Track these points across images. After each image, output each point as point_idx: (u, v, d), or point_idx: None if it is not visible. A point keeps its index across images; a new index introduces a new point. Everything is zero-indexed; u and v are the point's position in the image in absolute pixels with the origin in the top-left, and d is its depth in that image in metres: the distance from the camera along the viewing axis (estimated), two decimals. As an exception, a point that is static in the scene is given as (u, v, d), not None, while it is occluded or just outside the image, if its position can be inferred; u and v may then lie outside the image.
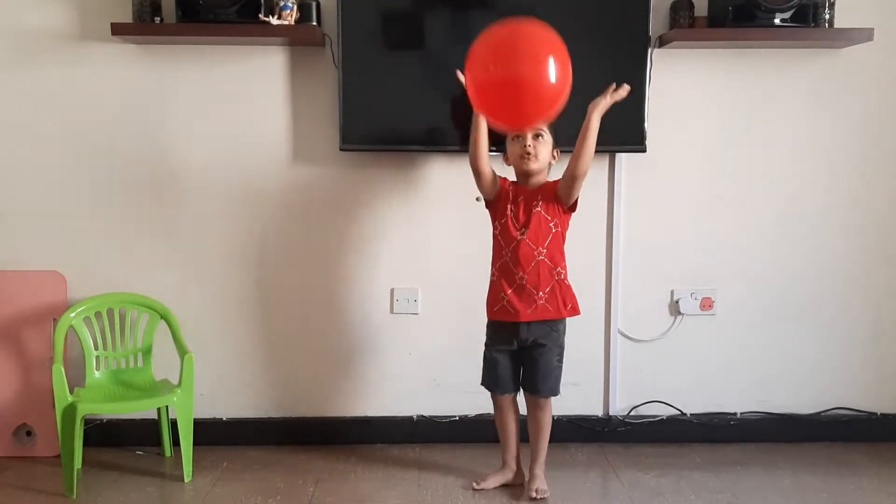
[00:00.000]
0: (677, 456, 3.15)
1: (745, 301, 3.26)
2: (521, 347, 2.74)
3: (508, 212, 2.67)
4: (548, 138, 2.65)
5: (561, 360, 2.78)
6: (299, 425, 3.25)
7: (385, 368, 3.24)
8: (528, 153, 2.62)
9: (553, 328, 2.72)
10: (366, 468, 3.04)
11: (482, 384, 2.83)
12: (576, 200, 2.67)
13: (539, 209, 2.64)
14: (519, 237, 2.64)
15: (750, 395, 3.30)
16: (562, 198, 2.65)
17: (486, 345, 2.81)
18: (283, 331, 3.20)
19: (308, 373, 3.24)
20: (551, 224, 2.65)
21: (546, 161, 2.67)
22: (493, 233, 2.74)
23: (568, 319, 3.22)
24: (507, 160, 2.72)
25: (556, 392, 2.78)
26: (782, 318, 3.27)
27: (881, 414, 3.31)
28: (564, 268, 2.70)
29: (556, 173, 2.72)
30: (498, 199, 2.72)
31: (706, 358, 3.28)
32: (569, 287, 2.72)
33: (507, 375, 2.79)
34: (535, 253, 2.63)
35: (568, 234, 3.15)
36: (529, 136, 2.61)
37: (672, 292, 3.25)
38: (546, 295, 2.66)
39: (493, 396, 2.85)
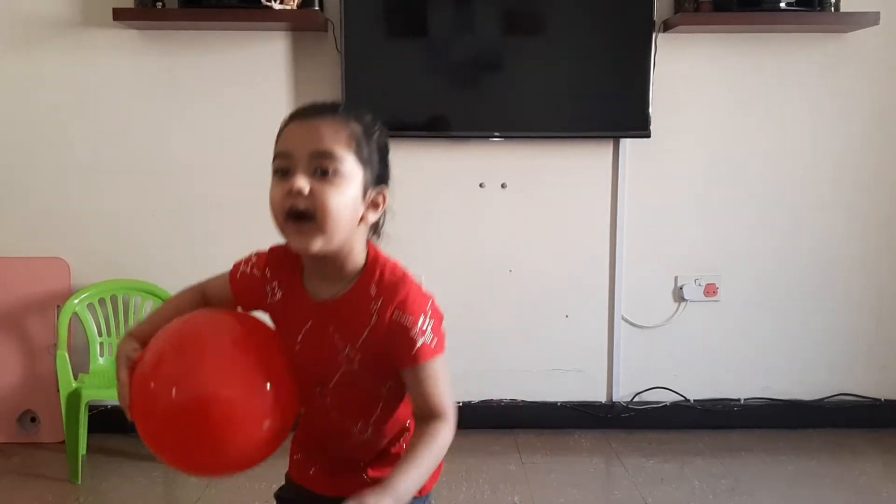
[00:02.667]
0: (681, 442, 3.15)
1: (749, 287, 3.25)
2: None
3: (288, 346, 1.32)
4: (352, 174, 1.23)
5: None
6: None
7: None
8: (296, 210, 1.21)
9: None
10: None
11: None
12: None
13: (355, 366, 1.28)
14: (317, 398, 1.33)
15: (753, 381, 3.30)
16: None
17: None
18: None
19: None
20: (382, 389, 1.32)
21: (344, 220, 1.22)
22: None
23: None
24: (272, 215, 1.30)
25: None
26: (786, 305, 3.27)
27: (884, 400, 3.31)
28: (404, 430, 1.39)
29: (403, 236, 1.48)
30: (256, 294, 1.38)
31: (710, 344, 3.27)
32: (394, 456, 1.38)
33: None
34: (353, 430, 1.34)
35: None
36: (302, 164, 1.21)
37: (676, 278, 3.24)
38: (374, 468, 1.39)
39: None
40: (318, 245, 1.21)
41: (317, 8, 2.92)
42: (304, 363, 1.30)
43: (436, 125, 3.07)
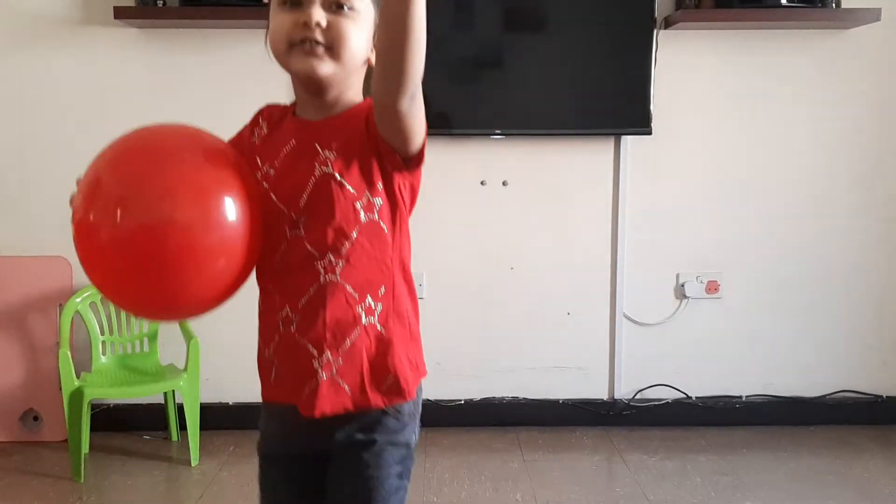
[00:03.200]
0: (682, 439, 3.15)
1: (751, 285, 3.25)
2: (319, 453, 1.30)
3: (264, 180, 1.25)
4: (364, 7, 1.20)
5: (404, 475, 1.29)
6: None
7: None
8: (311, 39, 1.16)
9: (383, 418, 1.27)
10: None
11: None
12: (421, 146, 1.25)
13: (330, 168, 1.20)
14: (289, 232, 1.23)
15: (755, 378, 3.30)
16: (387, 139, 1.20)
17: (259, 451, 1.43)
18: (289, 315, 3.21)
19: (313, 357, 3.24)
20: (357, 204, 1.21)
21: (358, 57, 1.21)
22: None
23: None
24: (268, 45, 1.24)
25: None
26: (788, 302, 3.26)
27: (886, 397, 3.31)
28: (391, 305, 1.26)
29: None
30: (244, 146, 1.34)
31: (711, 341, 3.27)
32: (394, 345, 1.26)
33: None
34: (319, 266, 1.21)
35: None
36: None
37: (678, 276, 3.24)
38: (341, 360, 1.22)
39: None
40: (328, 70, 1.17)
41: (318, 6, 2.92)
42: (281, 186, 1.22)
43: (437, 123, 3.03)
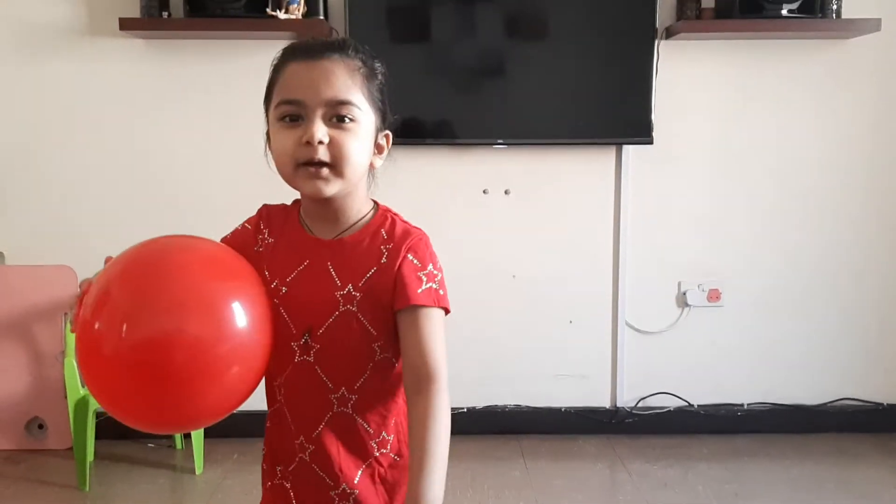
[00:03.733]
0: (685, 447, 3.16)
1: (752, 293, 3.26)
2: None
3: (275, 295, 1.21)
4: (365, 118, 1.18)
5: None
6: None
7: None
8: (315, 161, 1.15)
9: None
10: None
11: None
12: None
13: (354, 307, 1.18)
14: (298, 355, 1.20)
15: (757, 386, 3.31)
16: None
17: None
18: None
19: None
20: (375, 344, 1.21)
21: (358, 171, 1.20)
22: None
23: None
24: (270, 155, 1.24)
25: None
26: (789, 310, 3.28)
27: (887, 404, 3.32)
28: (401, 432, 1.25)
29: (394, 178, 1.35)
30: (248, 253, 1.25)
31: (713, 349, 3.28)
32: (398, 464, 1.25)
33: None
34: (332, 398, 1.21)
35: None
36: (319, 112, 1.15)
37: (679, 284, 3.26)
38: (357, 491, 1.22)
39: None
40: (333, 190, 1.17)
41: (321, 17, 2.94)
42: (293, 306, 1.19)
43: (440, 132, 3.09)
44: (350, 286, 1.18)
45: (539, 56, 3.05)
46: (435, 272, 1.22)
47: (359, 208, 1.24)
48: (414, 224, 1.26)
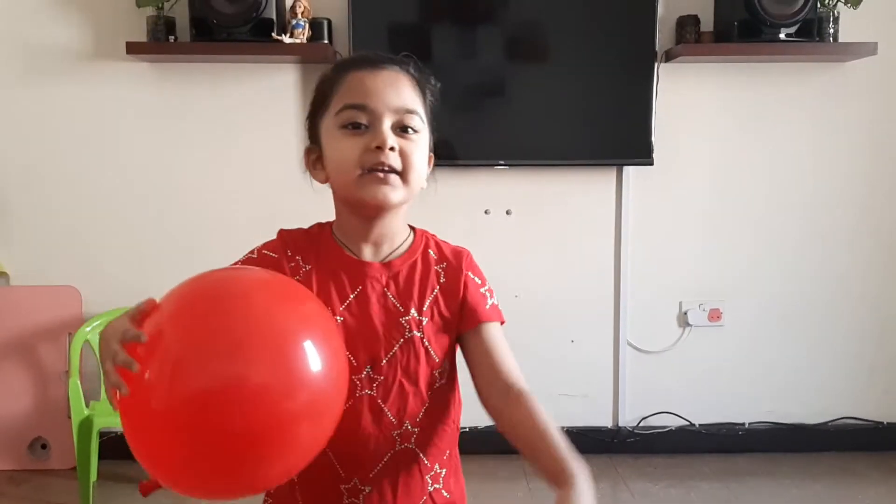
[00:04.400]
0: (686, 466, 3.17)
1: (753, 312, 3.28)
2: None
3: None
4: (424, 130, 1.17)
5: None
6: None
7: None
8: (386, 166, 1.11)
9: None
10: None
11: None
12: None
13: (420, 333, 1.15)
14: (359, 389, 1.12)
15: (758, 405, 3.32)
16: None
17: None
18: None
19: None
20: (437, 371, 1.17)
21: (422, 182, 1.19)
22: None
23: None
24: (318, 170, 1.21)
25: None
26: (789, 329, 3.30)
27: (887, 423, 3.33)
28: (453, 467, 1.23)
29: (433, 202, 1.40)
30: None
31: (715, 369, 3.30)
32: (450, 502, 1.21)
33: None
34: (395, 434, 1.14)
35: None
36: (388, 122, 1.11)
37: (681, 304, 3.28)
38: None
39: None
40: (399, 197, 1.11)
41: (326, 41, 2.97)
42: (352, 336, 1.09)
43: (442, 153, 3.09)
44: (414, 310, 1.12)
45: (540, 77, 3.08)
46: (490, 287, 1.20)
47: (402, 228, 1.19)
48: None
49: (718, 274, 3.26)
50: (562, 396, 3.28)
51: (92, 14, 3.04)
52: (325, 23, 2.98)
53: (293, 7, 2.94)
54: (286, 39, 2.88)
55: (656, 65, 3.04)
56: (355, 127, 1.10)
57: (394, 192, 1.10)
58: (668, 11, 3.08)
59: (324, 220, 1.27)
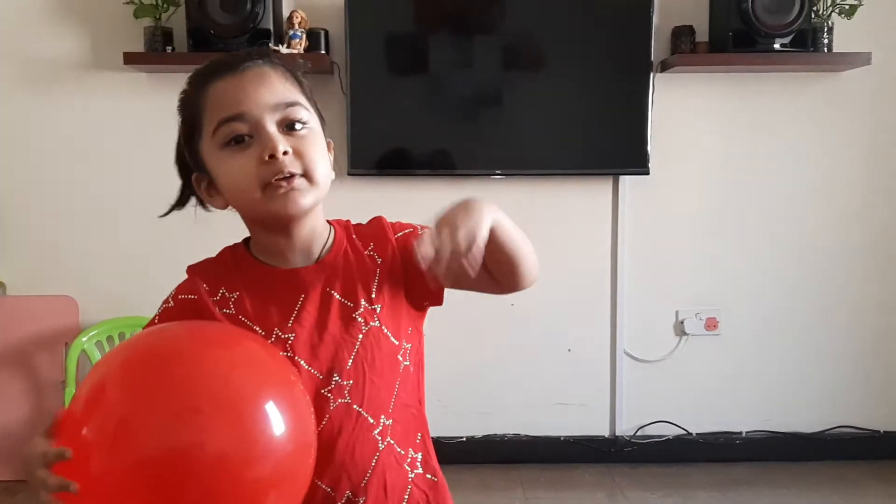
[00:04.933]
0: (683, 476, 3.17)
1: (750, 321, 3.29)
2: None
3: (283, 350, 1.04)
4: (314, 120, 1.08)
5: None
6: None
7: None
8: (286, 173, 1.02)
9: None
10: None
11: None
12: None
13: (376, 321, 1.08)
14: (332, 402, 1.04)
15: (755, 414, 3.32)
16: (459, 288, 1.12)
17: None
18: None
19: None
20: (399, 355, 1.12)
21: (329, 177, 1.09)
22: None
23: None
24: (213, 196, 1.15)
25: None
26: (786, 338, 3.30)
27: (884, 432, 3.33)
28: (428, 448, 1.17)
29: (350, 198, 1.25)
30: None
31: (711, 378, 3.30)
32: (444, 489, 1.19)
33: None
34: (376, 433, 1.07)
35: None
36: (270, 121, 1.02)
37: (677, 313, 3.28)
38: None
39: None
40: (310, 201, 1.02)
41: (323, 52, 2.98)
42: (309, 348, 1.02)
43: (439, 163, 3.12)
44: (364, 301, 1.06)
45: (536, 88, 3.10)
46: (419, 224, 1.13)
47: (323, 225, 1.10)
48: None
49: (715, 283, 3.27)
50: (559, 406, 3.28)
51: (89, 25, 3.06)
52: (323, 33, 2.99)
53: (290, 17, 2.95)
54: (283, 50, 2.89)
55: (652, 75, 3.06)
56: (238, 141, 1.01)
57: (303, 196, 1.01)
58: (664, 22, 3.10)
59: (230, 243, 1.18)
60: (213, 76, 1.03)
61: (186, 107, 1.06)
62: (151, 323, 1.07)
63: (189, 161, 1.08)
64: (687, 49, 3.04)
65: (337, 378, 1.03)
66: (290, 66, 1.07)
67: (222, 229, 3.19)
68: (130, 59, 2.93)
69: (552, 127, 3.10)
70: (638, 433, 3.30)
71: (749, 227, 3.25)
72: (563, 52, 3.09)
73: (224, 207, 1.09)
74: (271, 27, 2.90)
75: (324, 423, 1.01)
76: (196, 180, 1.09)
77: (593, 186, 3.21)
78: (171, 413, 0.78)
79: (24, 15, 3.05)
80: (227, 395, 0.81)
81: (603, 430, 3.31)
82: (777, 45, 2.98)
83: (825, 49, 3.04)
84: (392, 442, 1.07)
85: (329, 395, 1.03)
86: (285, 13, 3.00)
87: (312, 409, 0.93)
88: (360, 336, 1.04)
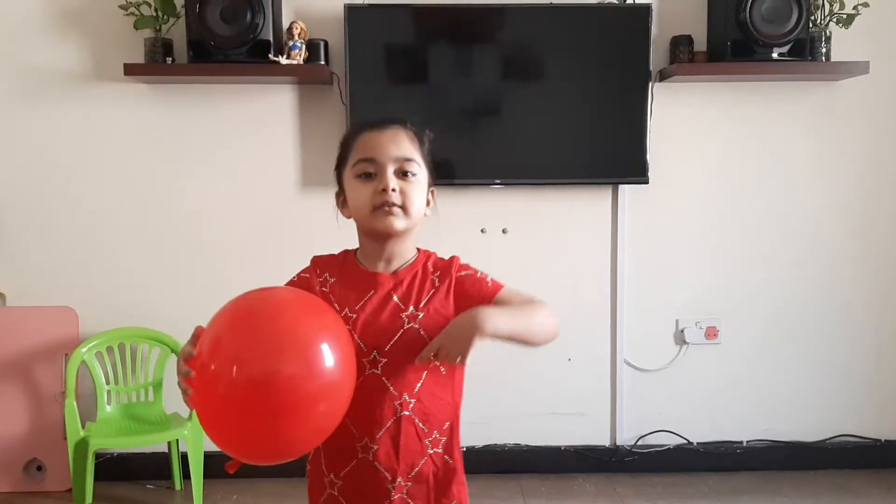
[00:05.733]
0: (684, 485, 3.16)
1: (750, 330, 3.29)
2: None
3: (344, 315, 1.42)
4: (422, 173, 1.45)
5: None
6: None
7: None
8: (390, 203, 1.40)
9: None
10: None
11: None
12: None
13: (417, 325, 1.41)
14: (368, 368, 1.39)
15: (755, 423, 3.32)
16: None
17: None
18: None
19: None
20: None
21: (419, 214, 1.46)
22: None
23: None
24: (344, 208, 1.50)
25: None
26: (786, 347, 3.30)
27: (885, 441, 3.33)
28: (452, 435, 1.48)
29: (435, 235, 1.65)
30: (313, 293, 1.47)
31: (712, 387, 3.30)
32: (453, 471, 1.47)
33: None
34: (396, 403, 1.40)
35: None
36: (391, 169, 1.41)
37: (677, 322, 3.28)
38: (410, 483, 1.43)
39: None
40: (402, 225, 1.42)
41: (322, 62, 2.99)
42: (363, 328, 1.41)
43: (439, 173, 3.08)
44: (412, 307, 1.42)
45: (536, 97, 3.10)
46: (483, 272, 1.49)
47: (409, 249, 1.49)
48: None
49: (715, 291, 3.27)
50: (559, 415, 3.28)
51: (90, 36, 3.07)
52: (322, 44, 3.00)
53: (290, 29, 2.96)
54: (283, 61, 2.90)
55: (651, 84, 3.07)
56: (367, 176, 1.42)
57: (397, 221, 1.41)
58: (662, 31, 3.12)
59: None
60: (365, 128, 1.46)
61: (343, 145, 1.49)
62: (290, 283, 1.49)
63: (336, 181, 1.50)
64: (685, 58, 3.06)
65: (376, 354, 1.40)
66: (418, 131, 1.48)
67: (218, 241, 3.17)
68: (131, 70, 2.94)
69: (552, 136, 3.11)
70: (639, 442, 3.30)
71: (749, 236, 3.25)
72: (562, 62, 3.10)
73: (349, 217, 1.49)
74: (271, 38, 2.91)
75: (360, 381, 1.37)
76: (336, 195, 1.51)
77: (593, 195, 3.22)
78: (263, 349, 1.23)
79: (26, 26, 3.06)
80: (298, 338, 1.27)
81: (604, 440, 3.31)
82: (775, 55, 2.99)
83: (823, 58, 3.06)
84: (414, 416, 1.42)
85: (367, 364, 1.39)
86: (285, 24, 3.01)
87: (355, 358, 1.34)
88: (401, 330, 1.40)
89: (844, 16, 3.04)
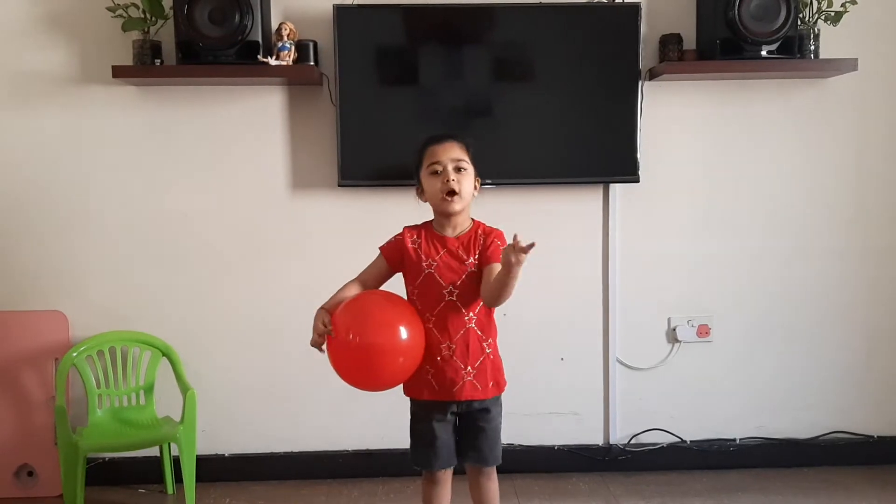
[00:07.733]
0: (678, 483, 3.17)
1: (742, 327, 3.29)
2: (459, 416, 2.26)
3: (428, 268, 2.19)
4: (470, 168, 2.21)
5: (500, 422, 2.32)
6: (302, 460, 3.26)
7: (385, 402, 3.25)
8: (453, 191, 2.15)
9: (492, 400, 2.26)
10: (369, 502, 3.05)
11: (414, 463, 2.30)
12: None
13: (470, 267, 2.17)
14: (446, 297, 2.16)
15: (748, 421, 3.32)
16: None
17: (418, 416, 2.28)
18: (285, 366, 3.22)
19: (310, 407, 3.25)
20: (478, 286, 2.18)
21: (469, 196, 2.22)
22: (409, 298, 2.25)
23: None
24: (421, 195, 2.25)
25: (500, 460, 2.31)
26: (778, 344, 3.31)
27: (878, 437, 3.34)
28: (494, 341, 2.25)
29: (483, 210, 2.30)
30: (408, 262, 2.23)
31: (704, 385, 3.30)
32: (498, 364, 2.25)
33: (448, 447, 2.26)
34: (465, 319, 2.17)
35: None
36: (450, 167, 2.16)
37: (669, 320, 3.28)
38: (474, 371, 2.18)
39: (427, 475, 2.31)
40: (460, 207, 2.18)
41: (312, 63, 2.99)
42: (441, 275, 2.17)
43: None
44: (472, 259, 2.19)
45: (526, 97, 3.10)
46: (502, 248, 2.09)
47: (466, 219, 2.26)
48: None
49: (706, 289, 3.28)
50: (552, 415, 3.28)
51: (78, 38, 3.06)
52: (311, 45, 2.99)
53: (279, 30, 2.95)
54: (272, 62, 2.89)
55: (640, 83, 3.08)
56: (435, 173, 2.18)
57: (456, 204, 2.18)
58: (652, 30, 3.12)
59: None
60: (432, 142, 2.21)
61: (419, 153, 2.22)
62: (388, 243, 2.28)
63: (416, 178, 2.24)
64: (675, 57, 3.06)
65: (451, 287, 2.18)
66: (465, 141, 2.24)
67: (207, 243, 3.15)
68: (119, 72, 2.93)
69: (542, 136, 3.11)
70: (632, 441, 3.30)
71: (740, 233, 3.26)
72: (552, 62, 3.10)
73: (426, 202, 2.25)
74: (260, 39, 2.90)
75: (441, 306, 2.17)
76: (417, 189, 2.26)
77: (584, 195, 3.22)
78: (372, 325, 2.11)
79: (12, 29, 3.05)
80: (389, 320, 2.12)
81: (597, 439, 3.31)
82: (764, 52, 3.00)
83: (812, 55, 3.07)
84: (475, 328, 2.19)
85: (446, 293, 2.17)
86: (274, 25, 3.00)
87: (423, 329, 2.16)
88: (465, 273, 2.18)
89: (832, 13, 3.05)
